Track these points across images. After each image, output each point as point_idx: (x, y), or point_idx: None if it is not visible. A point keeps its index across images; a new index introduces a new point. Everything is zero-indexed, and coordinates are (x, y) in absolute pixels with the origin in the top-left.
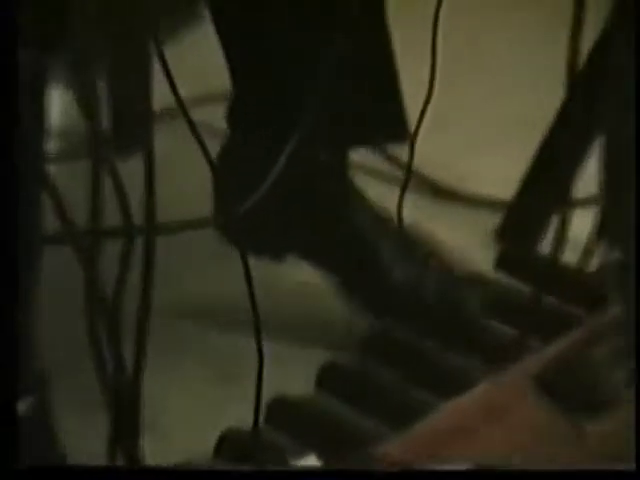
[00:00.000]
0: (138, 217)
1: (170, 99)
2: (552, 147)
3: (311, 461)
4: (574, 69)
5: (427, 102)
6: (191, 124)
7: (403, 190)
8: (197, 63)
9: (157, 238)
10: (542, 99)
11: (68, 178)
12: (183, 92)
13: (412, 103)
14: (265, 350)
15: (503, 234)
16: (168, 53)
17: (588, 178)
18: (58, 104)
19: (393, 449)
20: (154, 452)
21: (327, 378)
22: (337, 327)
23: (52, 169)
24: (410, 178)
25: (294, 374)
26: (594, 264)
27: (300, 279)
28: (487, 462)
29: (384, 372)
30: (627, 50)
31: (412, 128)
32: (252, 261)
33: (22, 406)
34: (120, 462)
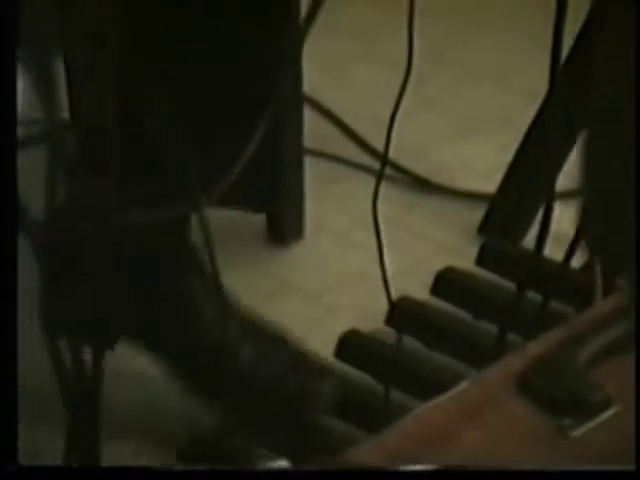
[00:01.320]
0: None
1: None
2: (536, 140)
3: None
4: (557, 61)
5: (403, 90)
6: None
7: (379, 180)
8: None
9: None
10: (525, 90)
11: (25, 167)
12: None
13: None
14: None
15: (486, 228)
16: None
17: (573, 171)
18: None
19: (365, 453)
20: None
21: None
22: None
23: None
24: (385, 169)
25: None
26: (579, 260)
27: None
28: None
29: None
30: (610, 41)
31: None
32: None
33: None
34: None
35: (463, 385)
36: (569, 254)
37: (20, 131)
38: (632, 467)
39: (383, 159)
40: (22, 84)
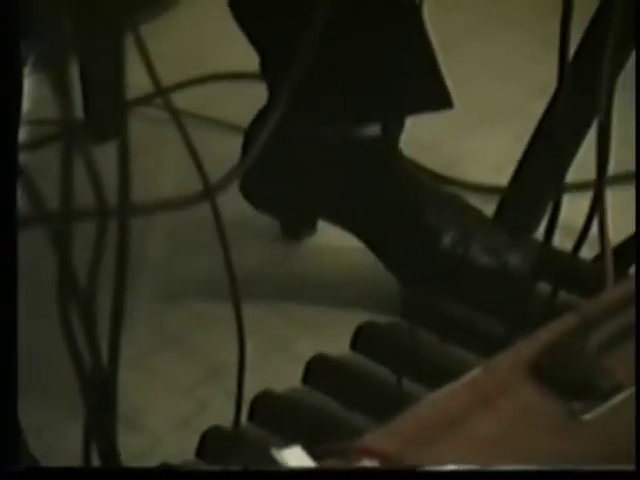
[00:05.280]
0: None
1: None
2: (547, 132)
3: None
4: (565, 54)
5: None
6: (172, 110)
7: None
8: (174, 47)
9: (134, 221)
10: (535, 83)
11: (40, 165)
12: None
13: None
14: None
15: (498, 221)
16: (145, 35)
17: (583, 162)
18: (29, 90)
19: (379, 438)
20: (134, 451)
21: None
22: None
23: (24, 157)
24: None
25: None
26: (590, 251)
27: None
28: (475, 454)
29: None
30: (617, 33)
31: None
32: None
33: None
34: (95, 461)
35: (475, 372)
36: (578, 245)
37: (29, 131)
38: (632, 467)
39: None
40: (32, 81)
